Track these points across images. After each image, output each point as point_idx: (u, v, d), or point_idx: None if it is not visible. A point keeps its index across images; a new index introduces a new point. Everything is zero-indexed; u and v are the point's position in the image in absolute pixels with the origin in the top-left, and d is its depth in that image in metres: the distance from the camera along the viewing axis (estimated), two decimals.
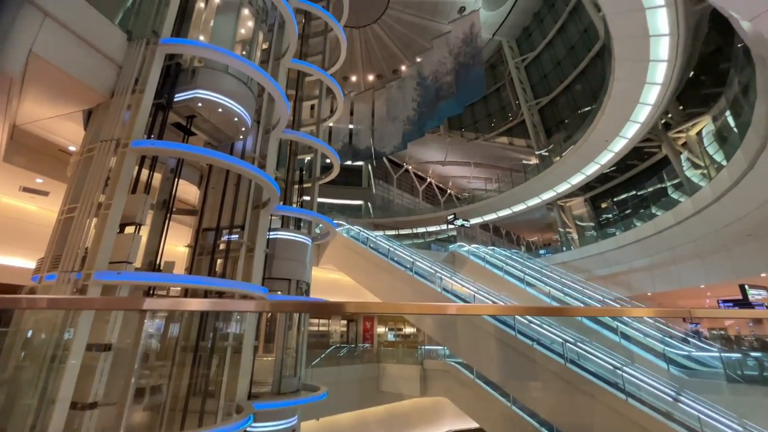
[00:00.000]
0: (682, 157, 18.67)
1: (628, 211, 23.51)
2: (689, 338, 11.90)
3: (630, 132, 17.72)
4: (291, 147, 11.11)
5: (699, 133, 17.84)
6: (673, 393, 9.24)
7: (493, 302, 13.47)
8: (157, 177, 7.42)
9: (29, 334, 5.06)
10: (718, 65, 16.30)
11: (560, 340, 10.66)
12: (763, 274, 14.61)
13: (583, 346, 10.82)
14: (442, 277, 14.23)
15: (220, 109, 6.67)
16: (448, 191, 42.91)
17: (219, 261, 7.53)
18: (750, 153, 10.25)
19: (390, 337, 28.04)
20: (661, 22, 11.59)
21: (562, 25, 26.38)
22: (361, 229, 17.66)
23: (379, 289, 15.84)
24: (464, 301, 13.49)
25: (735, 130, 12.31)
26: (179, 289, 7.03)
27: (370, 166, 36.55)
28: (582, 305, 13.82)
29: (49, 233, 5.58)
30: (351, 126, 33.99)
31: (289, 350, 8.63)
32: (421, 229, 32.60)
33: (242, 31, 7.98)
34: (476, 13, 26.66)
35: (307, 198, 11.40)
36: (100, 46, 5.77)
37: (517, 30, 30.56)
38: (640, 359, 10.86)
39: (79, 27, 5.43)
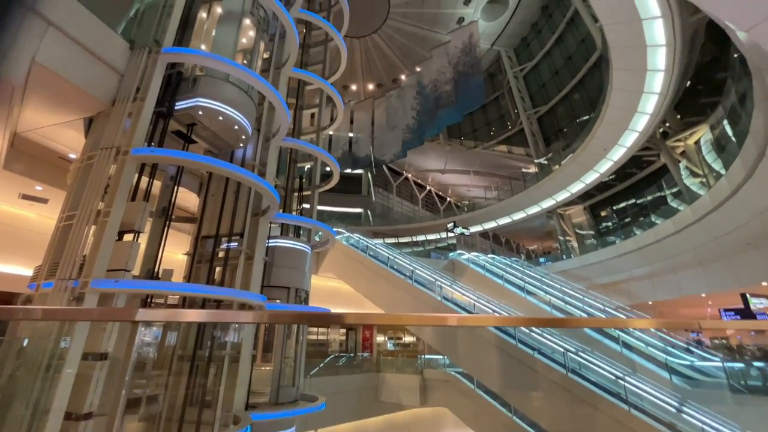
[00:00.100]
0: (681, 165, 18.74)
1: (627, 220, 23.53)
2: (692, 348, 11.79)
3: (628, 141, 17.82)
4: (291, 155, 11.14)
5: (697, 142, 17.94)
6: (676, 403, 9.12)
7: (494, 311, 13.38)
8: (157, 184, 7.43)
9: (25, 342, 5.00)
10: (715, 75, 16.46)
11: (561, 349, 10.57)
12: (764, 283, 14.56)
13: (585, 356, 10.71)
14: (442, 285, 14.16)
15: (220, 117, 6.70)
16: (448, 199, 42.98)
17: (218, 269, 7.49)
18: (748, 162, 10.29)
19: (389, 346, 27.80)
20: (657, 32, 11.73)
21: (559, 35, 26.71)
22: (361, 237, 17.63)
23: (378, 298, 15.75)
24: (464, 309, 13.40)
25: (733, 138, 12.37)
26: (177, 297, 6.99)
27: (369, 174, 36.65)
28: (584, 314, 13.72)
29: (47, 241, 5.56)
30: (351, 134, 34.18)
31: (287, 359, 8.54)
32: (421, 237, 32.56)
33: (243, 40, 8.06)
34: (475, 23, 27.01)
35: (306, 206, 11.40)
36: (102, 55, 5.82)
37: (516, 40, 30.93)
38: (642, 369, 10.75)
39: (83, 36, 5.49)
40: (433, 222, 32.13)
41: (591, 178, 21.62)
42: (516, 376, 11.01)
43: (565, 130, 27.06)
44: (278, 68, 9.31)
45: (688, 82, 17.00)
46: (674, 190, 19.04)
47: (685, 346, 11.79)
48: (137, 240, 5.63)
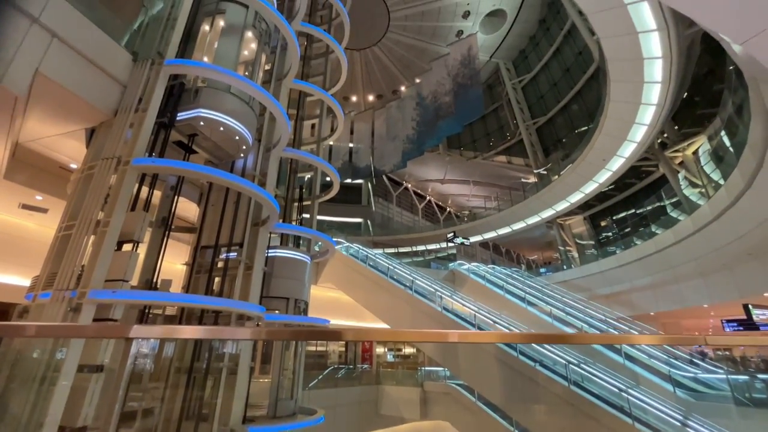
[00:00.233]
0: (680, 176, 18.81)
1: (627, 230, 23.52)
2: (695, 360, 11.65)
3: (627, 151, 17.92)
4: (291, 165, 11.19)
5: (695, 153, 18.03)
6: (680, 417, 8.97)
7: (494, 322, 13.26)
8: (157, 194, 7.44)
9: (20, 353, 4.94)
10: (711, 86, 16.64)
11: (563, 361, 10.44)
12: (766, 294, 14.47)
13: (587, 368, 10.58)
14: (443, 296, 14.07)
15: (221, 128, 6.74)
16: (448, 209, 43.01)
17: (216, 279, 7.45)
18: (747, 172, 10.32)
19: (389, 357, 27.48)
20: (654, 45, 11.90)
21: (557, 48, 27.10)
22: (361, 247, 17.59)
23: (378, 308, 15.63)
24: (465, 320, 13.28)
25: (731, 149, 12.44)
26: (175, 308, 6.93)
27: (369, 184, 36.76)
28: (585, 325, 13.60)
29: (46, 250, 5.54)
30: (351, 144, 34.39)
31: (285, 371, 8.43)
32: (421, 247, 32.48)
33: (245, 52, 8.16)
34: (474, 36, 27.42)
35: (306, 216, 11.39)
36: (105, 67, 5.89)
37: (514, 52, 31.37)
38: (645, 381, 10.60)
39: (87, 48, 5.56)
40: (433, 232, 32.10)
41: (590, 188, 21.68)
42: (517, 388, 10.85)
43: (564, 140, 27.24)
44: (279, 80, 9.41)
45: (685, 94, 17.18)
46: (674, 200, 19.08)
47: (689, 357, 11.65)
48: (136, 250, 5.61)
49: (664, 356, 11.36)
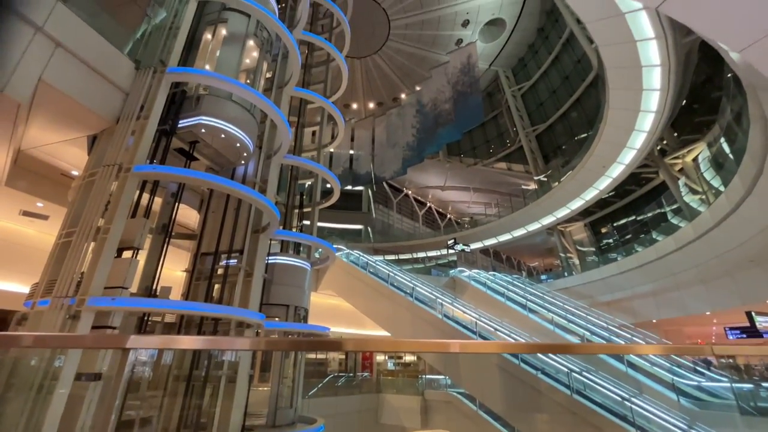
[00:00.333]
0: (680, 182, 18.82)
1: (628, 236, 23.47)
2: (699, 368, 11.53)
3: (627, 158, 17.97)
4: (292, 172, 11.22)
5: (695, 159, 18.07)
6: (684, 426, 8.86)
7: (495, 329, 13.17)
8: (158, 201, 7.44)
9: (18, 360, 4.90)
10: (709, 93, 16.74)
11: (565, 369, 10.34)
12: None
13: (589, 376, 10.47)
14: (443, 303, 13.99)
15: (222, 135, 6.78)
16: (448, 216, 43.00)
17: (216, 286, 7.42)
18: (747, 179, 10.33)
19: (390, 365, 27.25)
20: (652, 53, 11.99)
21: (556, 55, 27.32)
22: (361, 253, 17.55)
23: (378, 315, 15.54)
24: (466, 328, 13.19)
25: (731, 156, 12.47)
26: (175, 315, 6.90)
27: (370, 191, 36.82)
28: (587, 333, 13.50)
29: (46, 257, 5.53)
30: (351, 151, 34.53)
31: (285, 380, 8.35)
32: (421, 254, 32.41)
33: (247, 60, 8.23)
34: (473, 44, 27.68)
35: (307, 222, 11.39)
36: (108, 75, 5.94)
37: (513, 60, 31.62)
38: (648, 390, 10.49)
39: (90, 56, 5.61)
40: (434, 239, 32.06)
41: (591, 194, 21.69)
42: (519, 397, 10.74)
43: (563, 147, 27.33)
44: (281, 87, 9.48)
45: (684, 101, 17.27)
46: (674, 206, 19.06)
47: (692, 366, 11.53)
48: (136, 257, 5.60)
49: (667, 364, 11.25)
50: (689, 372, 11.29)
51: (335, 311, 20.11)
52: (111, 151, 5.76)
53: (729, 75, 11.44)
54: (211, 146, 7.04)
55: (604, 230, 26.25)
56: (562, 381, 10.26)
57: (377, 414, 17.07)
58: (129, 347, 1.42)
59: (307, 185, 12.59)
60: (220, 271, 7.44)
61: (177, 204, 7.23)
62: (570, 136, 26.70)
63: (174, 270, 8.02)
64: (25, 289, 5.66)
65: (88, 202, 5.46)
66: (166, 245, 6.92)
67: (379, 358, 26.58)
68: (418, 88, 32.18)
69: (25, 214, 9.65)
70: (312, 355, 23.69)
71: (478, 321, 13.20)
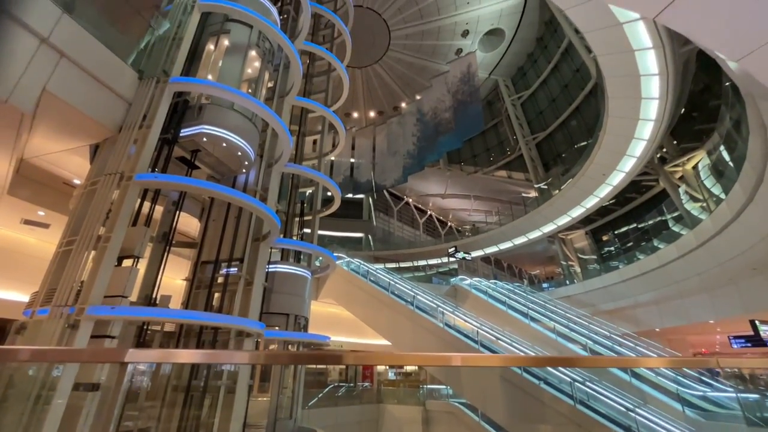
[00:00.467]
0: (681, 190, 18.83)
1: (629, 244, 23.39)
2: (704, 378, 11.38)
3: (627, 166, 18.00)
4: (293, 180, 11.25)
5: (695, 167, 18.10)
6: None
7: (497, 338, 13.06)
8: (159, 209, 7.46)
9: (15, 369, 4.86)
10: (708, 102, 16.83)
11: (568, 379, 10.22)
12: None
13: (593, 386, 10.35)
14: (444, 311, 13.90)
15: (224, 144, 6.81)
16: (449, 224, 42.97)
17: (216, 295, 7.39)
18: (748, 186, 10.33)
19: (391, 375, 26.97)
20: (650, 62, 12.09)
21: (555, 65, 27.57)
22: (362, 262, 17.50)
23: (379, 324, 15.43)
24: (467, 337, 13.08)
25: (731, 164, 12.48)
26: (174, 324, 6.85)
27: (370, 199, 36.87)
28: (590, 342, 13.37)
29: (46, 266, 5.52)
30: (352, 160, 34.67)
31: (285, 390, 8.26)
32: (422, 262, 32.30)
33: (249, 70, 8.32)
34: (473, 54, 27.97)
35: (307, 230, 11.39)
36: (112, 85, 6.00)
37: (513, 69, 31.91)
38: (652, 400, 10.34)
39: (94, 67, 5.68)
40: (435, 247, 31.98)
41: (591, 202, 21.69)
42: (522, 407, 10.59)
43: (563, 155, 27.41)
44: (282, 97, 9.56)
45: (683, 109, 17.37)
46: (675, 214, 19.03)
47: (697, 375, 11.39)
48: (136, 265, 5.59)
49: (672, 374, 11.12)
50: (694, 382, 11.15)
51: (336, 320, 19.98)
52: (113, 160, 5.79)
53: (727, 84, 11.52)
54: (213, 155, 7.08)
55: (605, 238, 26.18)
56: (565, 391, 10.13)
57: (378, 425, 16.84)
58: (127, 361, 1.41)
59: (307, 193, 12.62)
60: (220, 280, 7.41)
61: (178, 212, 7.24)
62: (570, 144, 26.80)
63: (174, 278, 8.00)
64: (25, 298, 5.64)
65: (89, 210, 5.47)
66: (166, 254, 6.92)
67: (380, 367, 26.31)
68: (418, 97, 32.44)
69: (27, 222, 9.66)
70: (312, 365, 23.47)
71: (479, 330, 13.10)
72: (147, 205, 6.21)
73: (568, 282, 24.47)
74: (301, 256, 10.63)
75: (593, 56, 16.49)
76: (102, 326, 5.03)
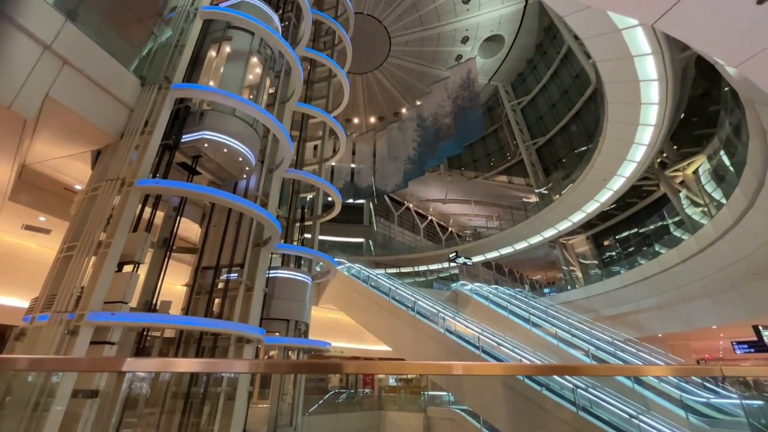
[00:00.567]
0: (681, 195, 18.81)
1: (631, 249, 23.33)
2: (708, 384, 11.27)
3: (627, 171, 18.01)
4: (293, 185, 11.27)
5: (695, 172, 18.10)
6: None
7: (499, 344, 12.98)
8: (159, 215, 7.47)
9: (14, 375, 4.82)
10: (707, 107, 16.88)
11: (571, 385, 10.13)
12: None
13: (595, 392, 10.25)
14: (445, 317, 13.83)
15: (225, 149, 6.84)
16: (450, 229, 42.93)
17: (217, 300, 7.37)
18: (749, 191, 10.32)
19: (392, 381, 26.76)
20: (649, 68, 12.16)
21: (554, 71, 27.71)
22: (362, 267, 17.46)
23: (379, 330, 15.35)
24: (469, 343, 13.00)
25: (731, 168, 12.49)
26: (174, 330, 6.82)
27: (371, 204, 36.89)
28: (592, 347, 13.27)
29: (46, 272, 5.52)
30: (353, 165, 34.74)
31: (285, 397, 8.21)
32: (423, 267, 32.22)
33: (250, 76, 8.37)
34: (473, 60, 28.15)
35: (308, 236, 11.38)
36: (114, 92, 6.04)
37: (512, 75, 32.08)
38: (656, 407, 10.24)
39: (96, 73, 5.72)
40: (435, 252, 31.91)
41: (592, 207, 21.67)
42: (524, 414, 10.49)
43: (563, 160, 27.45)
44: (283, 103, 9.62)
45: (683, 114, 17.41)
46: (676, 219, 19.00)
47: (701, 381, 11.29)
48: (137, 271, 5.58)
49: (675, 380, 11.02)
50: (698, 388, 11.05)
51: (336, 325, 19.90)
52: (114, 166, 5.81)
53: (726, 89, 11.55)
54: (214, 160, 7.10)
55: (606, 243, 26.12)
56: (567, 398, 10.03)
57: None
58: (125, 370, 1.40)
59: (308, 199, 12.64)
60: (220, 286, 7.40)
61: (179, 218, 7.25)
62: (570, 149, 26.85)
63: (174, 284, 7.99)
64: (25, 304, 5.63)
65: (90, 216, 5.48)
66: (167, 259, 6.91)
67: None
68: (418, 103, 32.59)
69: (28, 228, 9.67)
70: (312, 374, 23.29)
71: (480, 336, 13.02)
72: (148, 210, 6.22)
73: (569, 287, 24.37)
74: (302, 262, 10.61)
75: (592, 62, 16.58)
76: (102, 332, 5.01)
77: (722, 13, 3.32)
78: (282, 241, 9.67)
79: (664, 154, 19.57)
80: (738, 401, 10.79)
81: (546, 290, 26.23)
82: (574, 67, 25.53)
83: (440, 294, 20.03)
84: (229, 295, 7.32)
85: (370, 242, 35.03)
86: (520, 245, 27.78)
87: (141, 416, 6.26)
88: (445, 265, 29.94)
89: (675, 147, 19.61)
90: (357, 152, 34.78)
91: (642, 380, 11.07)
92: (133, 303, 5.97)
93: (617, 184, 19.16)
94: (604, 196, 20.42)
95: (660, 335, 18.97)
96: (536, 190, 28.22)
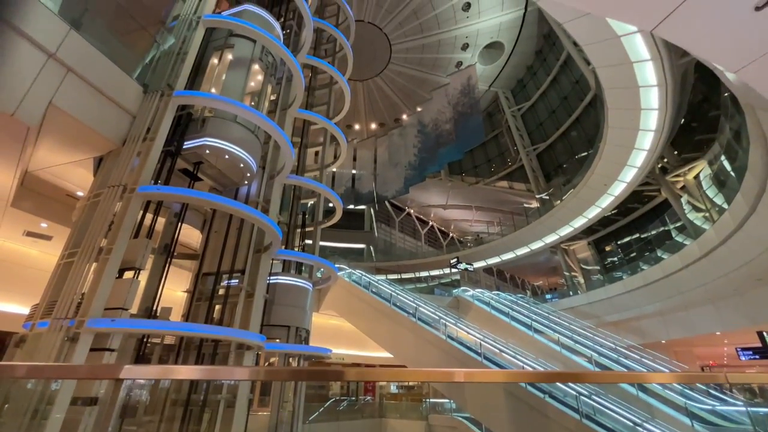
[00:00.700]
0: (683, 200, 18.79)
1: (633, 254, 23.24)
2: (714, 391, 11.15)
3: (628, 176, 18.01)
4: (294, 191, 11.29)
5: (696, 177, 18.10)
6: None
7: (501, 350, 12.88)
8: (161, 221, 7.48)
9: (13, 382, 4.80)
10: (707, 112, 16.92)
11: (574, 392, 10.03)
12: None
13: (599, 400, 10.14)
14: (447, 323, 13.75)
15: (227, 156, 6.87)
16: (451, 235, 42.86)
17: (217, 307, 7.35)
18: (750, 196, 10.30)
19: (393, 388, 26.54)
20: (648, 74, 12.21)
21: (554, 77, 27.87)
22: (363, 273, 17.42)
23: (380, 337, 15.26)
24: (470, 349, 12.91)
25: (732, 174, 12.47)
26: (174, 336, 6.80)
27: (372, 210, 36.90)
28: (594, 354, 13.16)
29: (47, 278, 5.51)
30: (354, 171, 34.83)
31: (285, 404, 8.14)
32: (424, 273, 32.12)
33: (252, 83, 8.43)
34: (473, 67, 28.34)
35: (309, 242, 11.37)
36: (117, 99, 6.08)
37: (512, 82, 32.26)
38: (660, 414, 10.11)
39: (99, 81, 5.77)
40: (436, 258, 31.83)
41: (593, 212, 21.64)
42: (527, 422, 10.38)
43: (564, 166, 27.48)
44: (284, 109, 9.67)
45: (683, 119, 17.45)
46: (678, 224, 18.95)
47: (705, 388, 11.17)
48: (137, 277, 5.57)
49: (679, 387, 10.90)
50: (703, 395, 10.92)
51: (337, 332, 19.80)
52: (116, 172, 5.84)
53: (726, 94, 11.59)
54: (215, 167, 7.13)
55: (608, 248, 26.03)
56: (570, 405, 9.93)
57: None
58: (122, 378, 1.39)
59: (309, 205, 12.65)
60: (221, 292, 7.38)
61: (180, 224, 7.26)
62: (570, 154, 26.89)
63: (175, 290, 7.97)
64: (26, 311, 5.62)
65: (91, 222, 5.49)
66: (167, 265, 6.91)
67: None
68: (419, 109, 32.76)
69: (29, 234, 9.69)
70: (313, 381, 23.10)
71: (482, 342, 12.93)
72: (149, 216, 6.23)
73: (571, 293, 24.24)
74: (303, 268, 10.59)
75: (592, 68, 16.67)
76: (102, 339, 4.99)
77: (720, 19, 3.34)
78: (283, 247, 9.66)
79: (665, 160, 19.58)
80: (744, 408, 10.67)
81: (548, 296, 26.10)
82: (573, 74, 25.67)
83: (442, 300, 19.94)
84: (229, 302, 7.29)
85: (371, 248, 34.99)
86: (522, 251, 27.71)
87: (140, 424, 6.21)
88: (447, 271, 29.83)
89: (676, 152, 19.63)
90: (358, 158, 34.90)
91: (646, 387, 10.95)
92: (134, 309, 5.96)
93: (618, 189, 19.16)
94: (605, 202, 20.40)
95: (663, 341, 18.83)
96: (537, 196, 28.21)
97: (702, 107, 17.33)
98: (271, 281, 8.69)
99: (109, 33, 6.68)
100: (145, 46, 7.91)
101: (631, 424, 9.21)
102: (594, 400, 10.03)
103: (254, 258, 7.93)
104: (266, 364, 10.04)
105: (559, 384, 10.55)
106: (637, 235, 23.33)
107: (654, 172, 19.40)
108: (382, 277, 21.73)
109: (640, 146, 15.84)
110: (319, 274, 12.52)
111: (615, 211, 22.04)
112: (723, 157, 13.54)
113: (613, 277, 21.21)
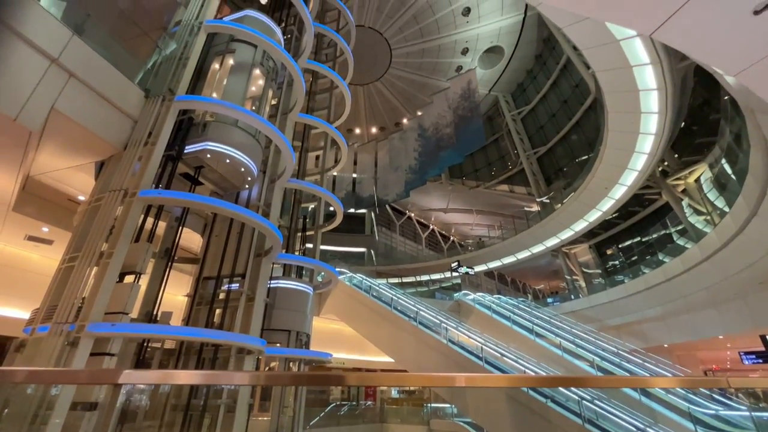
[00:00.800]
0: (684, 203, 18.76)
1: (634, 258, 23.18)
2: (716, 396, 11.06)
3: (629, 179, 18.00)
4: (295, 195, 11.30)
5: (697, 180, 18.08)
6: None
7: (502, 354, 12.81)
8: (162, 225, 7.48)
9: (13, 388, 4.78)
10: (708, 116, 16.93)
11: (576, 397, 9.96)
12: None
13: (601, 404, 10.07)
14: (448, 327, 13.70)
15: (228, 160, 6.89)
16: (451, 238, 42.82)
17: (218, 311, 7.33)
18: (751, 199, 10.28)
19: (394, 393, 26.39)
20: (648, 77, 12.24)
21: (554, 81, 27.95)
22: (364, 277, 17.39)
23: (381, 341, 15.21)
24: (472, 353, 12.85)
25: (733, 177, 12.46)
26: (175, 340, 6.78)
27: (373, 214, 36.91)
28: (596, 358, 13.09)
29: (48, 283, 5.51)
30: (354, 175, 34.89)
31: (285, 409, 8.10)
32: (425, 277, 32.05)
33: (253, 88, 8.48)
34: (473, 71, 28.45)
35: (309, 245, 11.37)
36: (118, 103, 6.12)
37: (512, 85, 32.37)
38: (663, 419, 10.03)
39: (101, 86, 5.80)
40: (437, 261, 31.78)
41: (594, 216, 21.61)
42: (528, 426, 10.30)
43: (565, 169, 27.48)
44: (285, 113, 9.71)
45: (683, 123, 17.46)
46: (679, 227, 18.91)
47: (709, 393, 11.07)
48: (138, 281, 5.57)
49: (682, 391, 10.82)
50: (706, 400, 10.83)
51: (338, 336, 19.73)
52: (118, 177, 5.85)
53: (726, 97, 11.61)
54: (216, 171, 7.15)
55: (609, 252, 25.96)
56: (572, 410, 9.86)
57: None
58: (121, 383, 1.38)
59: (310, 208, 12.66)
60: (221, 296, 7.37)
61: (180, 228, 7.26)
62: (571, 158, 26.90)
63: (176, 294, 7.96)
64: (26, 315, 5.61)
65: (92, 226, 5.50)
66: (168, 270, 6.90)
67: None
68: (419, 113, 32.86)
69: (30, 239, 9.70)
70: (314, 386, 22.98)
71: (483, 346, 12.87)
72: (150, 221, 6.24)
73: (573, 297, 24.14)
74: (303, 272, 10.58)
75: (592, 72, 16.73)
76: (102, 343, 4.98)
77: (719, 23, 3.35)
78: (283, 251, 9.66)
79: (666, 163, 19.58)
80: (748, 413, 10.57)
81: (549, 300, 25.98)
82: (573, 77, 25.75)
83: (443, 304, 19.88)
84: (230, 306, 7.28)
85: (372, 252, 34.95)
86: (523, 254, 27.65)
87: (140, 429, 6.17)
88: (448, 274, 29.77)
89: (676, 155, 19.63)
90: (359, 162, 34.97)
91: (649, 392, 10.87)
92: (134, 314, 5.95)
93: (619, 192, 19.14)
94: (606, 205, 20.37)
95: (666, 345, 18.70)
96: (538, 199, 28.20)
97: (702, 110, 17.35)
98: (271, 285, 8.68)
99: (112, 38, 6.73)
100: (147, 52, 7.97)
101: (634, 429, 9.14)
102: (596, 405, 9.95)
103: (255, 262, 7.93)
104: (267, 368, 10.00)
105: (561, 389, 10.48)
106: (639, 239, 23.28)
107: (655, 176, 19.39)
108: (383, 281, 21.69)
109: (640, 149, 15.85)
110: (319, 278, 12.51)
111: (616, 214, 22.00)
112: (724, 160, 13.54)
113: (614, 281, 21.14)
